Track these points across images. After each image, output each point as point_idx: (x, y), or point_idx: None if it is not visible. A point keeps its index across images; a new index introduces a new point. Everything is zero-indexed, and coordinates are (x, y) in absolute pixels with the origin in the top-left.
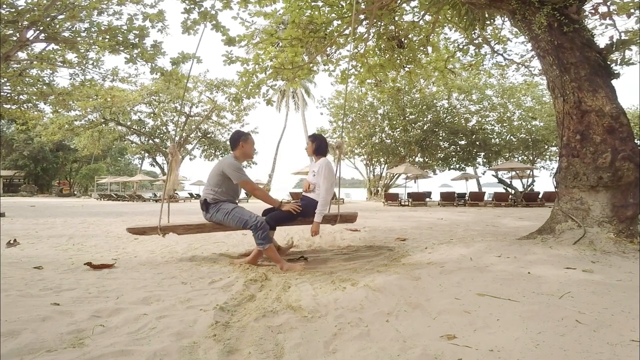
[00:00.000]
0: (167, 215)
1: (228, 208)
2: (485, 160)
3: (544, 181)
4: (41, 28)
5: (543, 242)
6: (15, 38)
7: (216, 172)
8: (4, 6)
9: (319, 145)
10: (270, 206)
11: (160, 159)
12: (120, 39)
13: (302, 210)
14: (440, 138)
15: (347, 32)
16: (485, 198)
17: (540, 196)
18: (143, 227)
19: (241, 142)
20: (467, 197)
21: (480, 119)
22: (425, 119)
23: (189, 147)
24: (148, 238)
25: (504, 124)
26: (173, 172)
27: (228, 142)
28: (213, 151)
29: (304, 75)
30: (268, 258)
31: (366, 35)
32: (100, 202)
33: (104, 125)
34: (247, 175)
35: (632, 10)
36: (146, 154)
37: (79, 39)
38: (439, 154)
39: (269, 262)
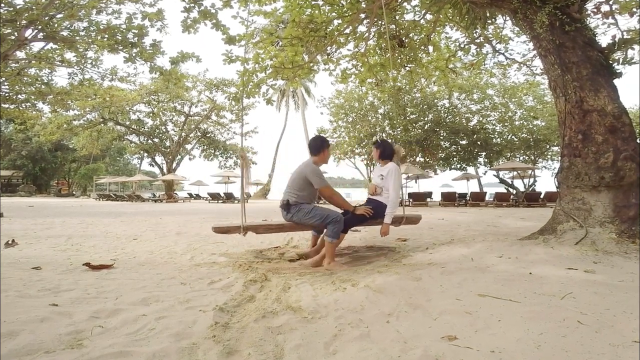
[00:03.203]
0: (245, 215)
1: (308, 208)
2: (486, 160)
3: (545, 181)
4: (40, 27)
5: (544, 243)
6: (13, 37)
7: (299, 177)
8: (3, 5)
9: (384, 150)
10: (341, 211)
11: (159, 158)
12: (119, 38)
13: (374, 212)
14: (441, 138)
15: (347, 31)
16: (487, 198)
17: (541, 196)
18: (227, 226)
19: (325, 149)
20: (468, 197)
21: (481, 118)
22: (426, 119)
23: (188, 146)
24: (147, 238)
25: (506, 124)
26: (246, 174)
27: (308, 146)
28: (212, 151)
29: (304, 74)
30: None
31: (367, 34)
32: (99, 202)
33: (102, 124)
34: (327, 182)
35: (634, 10)
36: (145, 154)
37: (77, 38)
38: (440, 154)
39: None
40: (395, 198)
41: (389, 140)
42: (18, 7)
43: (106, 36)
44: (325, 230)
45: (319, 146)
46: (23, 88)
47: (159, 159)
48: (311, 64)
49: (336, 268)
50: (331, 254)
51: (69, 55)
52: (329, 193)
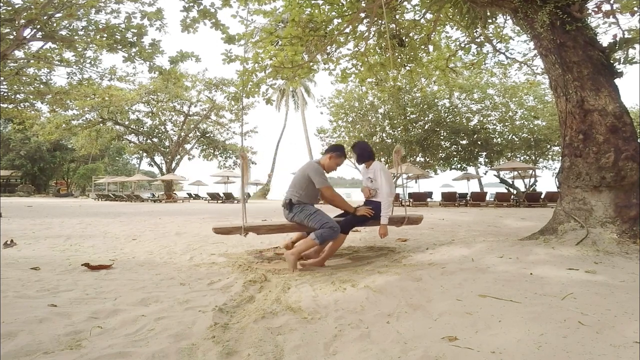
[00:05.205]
0: (246, 215)
1: (311, 210)
2: (487, 160)
3: (546, 181)
4: (38, 26)
5: (545, 243)
6: (12, 36)
7: (302, 175)
8: (1, 4)
9: (360, 154)
10: (342, 211)
11: (158, 158)
12: (118, 37)
13: (374, 213)
14: (442, 137)
15: (347, 30)
16: (487, 198)
17: (542, 196)
18: (229, 227)
19: (332, 154)
20: (468, 197)
21: (482, 118)
22: (426, 118)
23: (188, 146)
24: (147, 239)
25: (506, 124)
26: (246, 174)
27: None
28: (212, 151)
29: (304, 74)
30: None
31: (367, 33)
32: (97, 203)
33: (101, 124)
34: (329, 182)
35: (635, 9)
36: (144, 154)
37: (76, 37)
38: (440, 154)
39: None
40: (387, 198)
41: (365, 141)
42: (17, 6)
43: (105, 35)
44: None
45: (332, 149)
46: (22, 87)
47: (158, 158)
48: (311, 64)
49: (290, 262)
50: (303, 250)
51: (68, 55)
52: (330, 194)
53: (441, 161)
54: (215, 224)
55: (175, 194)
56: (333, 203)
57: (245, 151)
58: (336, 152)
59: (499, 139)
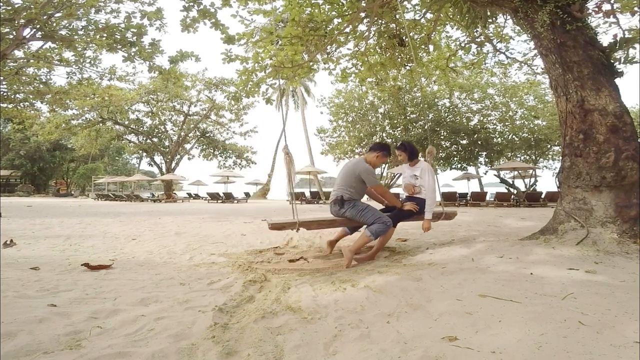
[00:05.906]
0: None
1: (363, 206)
2: (487, 159)
3: (546, 181)
4: (38, 26)
5: (545, 243)
6: (12, 36)
7: (352, 174)
8: (1, 4)
9: (411, 152)
10: (383, 206)
11: (158, 158)
12: (118, 37)
13: (420, 208)
14: (442, 137)
15: (347, 30)
16: (487, 198)
17: (542, 196)
18: (283, 223)
19: (379, 153)
20: (468, 197)
21: (482, 118)
22: (426, 118)
23: (188, 146)
24: (146, 238)
25: (506, 123)
26: (291, 170)
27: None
28: (212, 150)
29: (304, 73)
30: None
31: (367, 33)
32: (97, 202)
33: (101, 124)
34: (378, 180)
35: (635, 8)
36: (144, 154)
37: (76, 37)
38: (441, 154)
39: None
40: (432, 195)
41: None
42: (16, 5)
43: (105, 35)
44: (364, 227)
45: (378, 147)
46: (21, 87)
47: (157, 158)
48: (311, 63)
49: (348, 258)
50: (360, 246)
51: (68, 55)
52: (381, 191)
53: (441, 161)
54: (270, 220)
55: (175, 193)
56: (382, 198)
57: (288, 147)
58: (383, 152)
59: (499, 139)
